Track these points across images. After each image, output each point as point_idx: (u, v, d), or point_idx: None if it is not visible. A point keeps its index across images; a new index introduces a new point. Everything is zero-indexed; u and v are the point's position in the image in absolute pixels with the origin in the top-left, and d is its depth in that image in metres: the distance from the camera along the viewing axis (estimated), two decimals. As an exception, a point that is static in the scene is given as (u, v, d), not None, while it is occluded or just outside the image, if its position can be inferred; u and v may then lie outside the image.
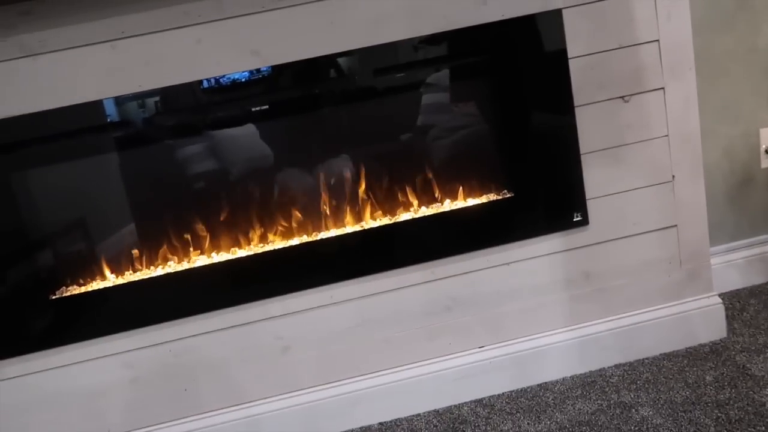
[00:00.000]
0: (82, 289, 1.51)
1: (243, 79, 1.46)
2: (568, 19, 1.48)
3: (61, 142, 1.46)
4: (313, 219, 1.60)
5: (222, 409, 1.57)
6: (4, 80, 1.36)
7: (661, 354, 1.65)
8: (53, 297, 1.48)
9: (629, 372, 1.60)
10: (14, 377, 1.49)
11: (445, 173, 1.62)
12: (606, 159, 1.56)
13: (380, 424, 1.59)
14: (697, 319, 1.66)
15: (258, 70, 1.45)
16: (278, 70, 1.45)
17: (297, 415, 1.58)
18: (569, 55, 1.50)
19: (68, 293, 1.50)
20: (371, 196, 1.60)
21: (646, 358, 1.64)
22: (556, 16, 1.48)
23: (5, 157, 1.42)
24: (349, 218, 1.60)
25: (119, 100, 1.44)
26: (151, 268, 1.55)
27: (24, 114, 1.38)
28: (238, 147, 1.60)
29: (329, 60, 1.48)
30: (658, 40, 1.52)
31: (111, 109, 1.45)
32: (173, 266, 1.54)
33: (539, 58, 1.51)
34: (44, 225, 1.49)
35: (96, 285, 1.52)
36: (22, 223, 1.45)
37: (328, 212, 1.60)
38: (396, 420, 1.59)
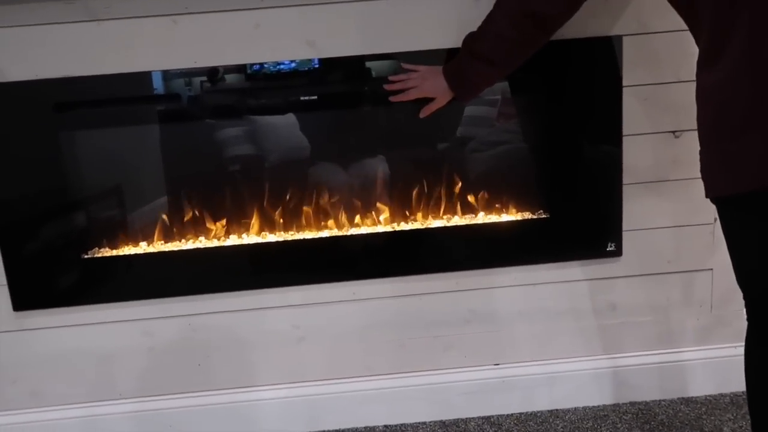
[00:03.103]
0: (114, 253, 1.54)
1: (288, 69, 1.47)
2: (628, 47, 1.46)
3: (110, 107, 1.50)
4: (344, 214, 1.60)
5: (230, 389, 1.59)
6: (67, 41, 1.40)
7: (679, 398, 1.61)
8: (85, 256, 1.52)
9: (644, 411, 1.57)
10: (36, 329, 1.53)
11: (481, 186, 1.61)
12: (648, 192, 1.53)
13: (385, 426, 1.58)
14: (721, 367, 1.61)
15: (307, 61, 1.46)
16: (328, 63, 1.46)
17: (302, 406, 1.59)
18: (624, 82, 1.48)
19: (100, 254, 1.53)
20: (404, 199, 1.60)
21: (664, 400, 1.60)
22: (616, 42, 1.46)
23: (58, 116, 1.46)
24: (379, 218, 1.60)
25: (170, 74, 1.47)
26: (182, 241, 1.57)
27: (81, 76, 1.42)
28: (277, 135, 1.61)
29: (380, 59, 1.49)
30: (717, 79, 1.48)
31: (163, 83, 1.48)
32: (202, 242, 1.56)
33: (593, 83, 1.49)
34: (85, 186, 1.52)
35: (127, 250, 1.55)
36: (66, 181, 1.49)
37: (359, 210, 1.60)
38: (401, 425, 1.58)
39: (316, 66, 1.47)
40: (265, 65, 1.47)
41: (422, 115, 1.42)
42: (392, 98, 1.42)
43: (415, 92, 1.41)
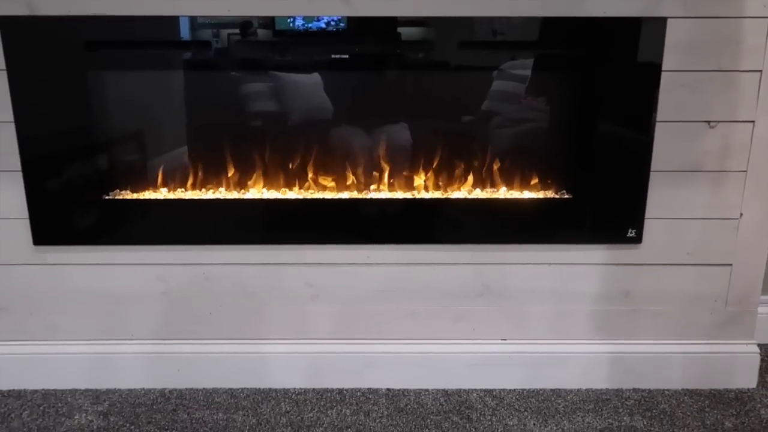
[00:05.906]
0: (134, 196, 1.55)
1: (317, 28, 1.45)
2: (671, 30, 1.42)
3: (139, 51, 1.49)
4: (365, 178, 1.59)
5: (238, 339, 1.61)
6: (101, -22, 1.39)
7: (683, 389, 1.61)
8: (105, 197, 1.53)
9: (647, 399, 1.57)
10: (53, 264, 1.55)
11: (504, 162, 1.60)
12: (675, 181, 1.50)
13: (388, 389, 1.60)
14: (729, 363, 1.61)
15: (336, 20, 1.43)
16: (359, 22, 1.43)
17: (307, 363, 1.61)
18: (663, 67, 1.44)
19: (120, 197, 1.54)
20: (425, 167, 1.59)
21: (667, 390, 1.60)
22: (659, 24, 1.41)
23: (87, 55, 1.45)
24: (400, 185, 1.59)
25: (200, 23, 1.45)
26: (202, 191, 1.58)
27: (112, 15, 1.40)
28: (300, 94, 1.60)
29: (416, 22, 1.46)
30: (760, 71, 1.44)
31: (192, 30, 1.46)
32: (222, 193, 1.57)
33: (631, 65, 1.45)
34: (109, 128, 1.53)
35: (147, 195, 1.55)
36: (91, 122, 1.49)
37: (380, 174, 1.59)
38: (404, 390, 1.60)
39: (339, 25, 1.44)
40: (295, 22, 1.44)
41: None
42: None
43: None
